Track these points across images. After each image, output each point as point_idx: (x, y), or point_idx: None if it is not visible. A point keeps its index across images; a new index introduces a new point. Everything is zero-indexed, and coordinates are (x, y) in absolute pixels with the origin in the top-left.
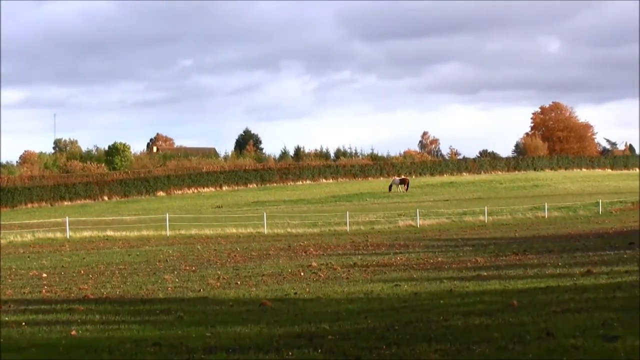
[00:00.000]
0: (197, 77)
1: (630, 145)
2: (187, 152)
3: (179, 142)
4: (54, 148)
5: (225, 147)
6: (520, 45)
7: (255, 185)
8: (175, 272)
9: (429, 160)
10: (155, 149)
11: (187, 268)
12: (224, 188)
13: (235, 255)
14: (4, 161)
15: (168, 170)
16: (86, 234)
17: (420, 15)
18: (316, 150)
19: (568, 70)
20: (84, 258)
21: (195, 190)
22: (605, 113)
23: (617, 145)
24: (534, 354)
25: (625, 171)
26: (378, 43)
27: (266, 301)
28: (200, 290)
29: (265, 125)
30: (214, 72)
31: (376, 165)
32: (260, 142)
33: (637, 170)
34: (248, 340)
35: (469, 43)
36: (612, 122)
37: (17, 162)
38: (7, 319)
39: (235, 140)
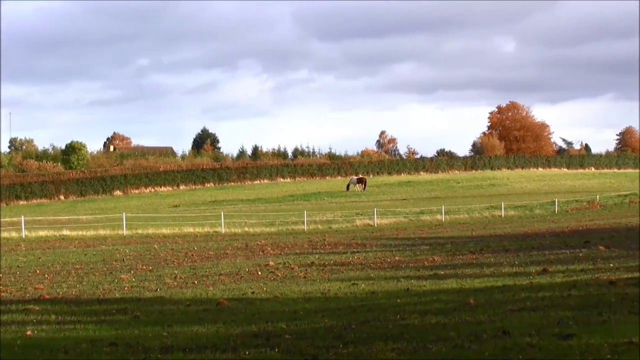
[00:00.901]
0: (154, 76)
1: (586, 145)
2: (144, 151)
3: (136, 141)
4: (9, 147)
5: (183, 146)
6: (477, 45)
7: (212, 185)
8: (132, 272)
9: (387, 159)
10: (112, 148)
11: (144, 267)
12: (181, 187)
13: (192, 255)
14: None
15: (125, 169)
16: (42, 233)
17: (376, 15)
18: (274, 149)
19: (524, 70)
20: (39, 258)
21: (153, 190)
22: (561, 113)
23: (573, 145)
24: (490, 353)
25: (581, 170)
26: (335, 43)
27: (223, 300)
28: (157, 289)
29: (222, 124)
30: (171, 71)
31: (334, 164)
32: (218, 141)
33: (593, 169)
34: (205, 340)
35: (425, 43)
36: (567, 122)
37: None
38: None
39: (192, 140)
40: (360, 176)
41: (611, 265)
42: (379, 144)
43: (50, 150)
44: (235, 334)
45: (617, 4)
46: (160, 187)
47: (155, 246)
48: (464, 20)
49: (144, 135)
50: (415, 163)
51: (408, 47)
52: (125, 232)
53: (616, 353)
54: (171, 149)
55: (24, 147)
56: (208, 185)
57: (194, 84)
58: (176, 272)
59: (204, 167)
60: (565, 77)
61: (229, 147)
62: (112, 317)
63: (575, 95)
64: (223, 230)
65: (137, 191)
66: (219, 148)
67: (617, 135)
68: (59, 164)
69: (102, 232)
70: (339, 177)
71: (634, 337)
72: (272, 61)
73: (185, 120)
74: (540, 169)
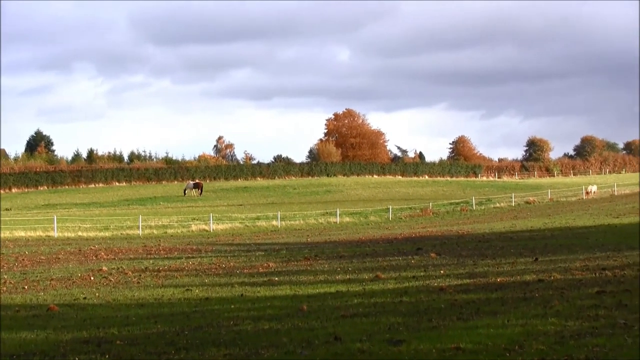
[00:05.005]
0: None
1: (420, 153)
2: None
3: None
4: None
5: (16, 148)
6: (312, 53)
7: (46, 188)
8: None
9: (224, 164)
10: None
11: None
12: (13, 190)
13: (23, 259)
14: None
15: None
16: None
17: (212, 21)
18: (109, 153)
19: (359, 79)
20: None
21: None
22: (396, 121)
23: (408, 153)
24: (321, 358)
25: (415, 178)
26: (171, 47)
27: (54, 306)
28: None
29: (57, 126)
30: (3, 72)
31: (170, 169)
32: (52, 144)
33: (427, 177)
34: (34, 346)
35: (261, 50)
36: (402, 130)
37: None
38: None
39: (26, 142)
40: (197, 181)
41: (442, 272)
42: (217, 149)
43: None
44: (66, 340)
45: (450, 16)
46: None
47: None
48: (300, 28)
49: None
50: (252, 168)
51: (244, 54)
52: None
53: (444, 358)
54: (3, 151)
55: None
56: (41, 188)
57: (28, 86)
58: (6, 277)
59: (38, 169)
60: (399, 86)
61: (63, 150)
62: None
63: (409, 104)
64: (56, 234)
65: None
66: (54, 151)
67: (450, 144)
68: None
69: None
70: (176, 182)
71: (461, 343)
72: (108, 64)
73: (19, 122)
74: (375, 176)
